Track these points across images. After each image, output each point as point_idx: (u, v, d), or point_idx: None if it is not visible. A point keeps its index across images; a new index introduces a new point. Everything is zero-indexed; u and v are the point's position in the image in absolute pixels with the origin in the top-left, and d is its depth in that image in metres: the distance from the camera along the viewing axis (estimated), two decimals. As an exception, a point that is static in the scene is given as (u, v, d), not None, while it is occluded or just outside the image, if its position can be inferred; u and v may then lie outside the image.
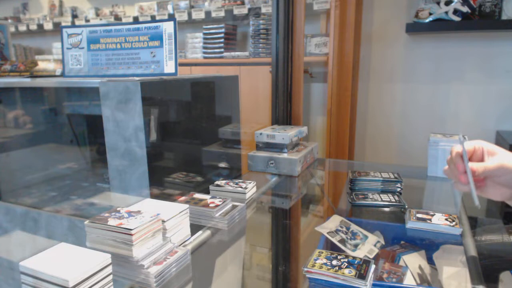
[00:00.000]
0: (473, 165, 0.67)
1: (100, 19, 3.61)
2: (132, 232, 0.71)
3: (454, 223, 0.90)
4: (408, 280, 0.72)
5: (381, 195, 1.17)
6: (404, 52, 2.49)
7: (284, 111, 1.79)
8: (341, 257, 0.72)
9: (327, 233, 0.84)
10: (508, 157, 0.67)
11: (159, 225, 0.77)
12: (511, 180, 0.66)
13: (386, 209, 1.11)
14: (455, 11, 2.14)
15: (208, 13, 3.07)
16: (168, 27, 1.13)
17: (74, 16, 3.85)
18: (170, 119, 1.17)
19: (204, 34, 3.07)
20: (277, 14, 1.71)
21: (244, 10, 2.90)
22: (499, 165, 0.66)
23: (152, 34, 1.15)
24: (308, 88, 2.83)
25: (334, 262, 0.70)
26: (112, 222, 0.75)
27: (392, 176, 1.25)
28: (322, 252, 0.74)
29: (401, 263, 0.79)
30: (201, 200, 1.04)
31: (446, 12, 2.16)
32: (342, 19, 2.28)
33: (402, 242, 0.89)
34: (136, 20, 3.39)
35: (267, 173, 1.47)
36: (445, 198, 1.28)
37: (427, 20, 2.21)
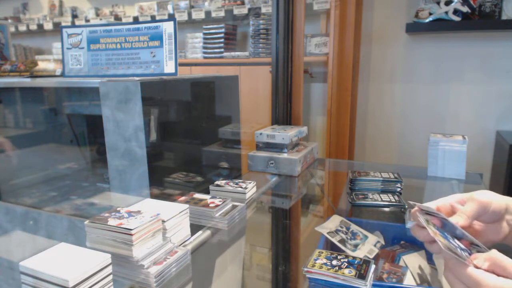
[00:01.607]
0: (454, 220, 0.57)
1: (100, 19, 3.62)
2: (132, 232, 0.71)
3: (454, 223, 0.90)
4: (408, 280, 0.72)
5: (381, 195, 1.17)
6: (404, 52, 2.49)
7: (284, 111, 1.79)
8: (341, 257, 0.72)
9: (327, 233, 0.84)
10: (481, 194, 0.60)
11: (159, 225, 0.77)
12: (494, 214, 0.60)
13: (386, 209, 1.11)
14: (455, 11, 2.14)
15: (208, 13, 3.07)
16: (168, 27, 1.13)
17: (74, 16, 3.85)
18: (170, 119, 1.17)
19: (204, 34, 3.07)
20: (277, 14, 1.71)
21: (244, 10, 2.90)
22: (477, 207, 0.59)
23: (152, 34, 1.15)
24: (308, 88, 2.83)
25: (334, 262, 0.70)
26: (112, 222, 0.75)
27: (392, 176, 1.25)
28: (322, 252, 0.74)
29: (401, 263, 0.79)
30: (201, 200, 1.04)
31: (446, 12, 2.16)
32: (342, 19, 2.28)
33: (402, 242, 0.89)
34: (136, 20, 3.39)
35: (267, 173, 1.47)
36: (445, 198, 1.28)
37: (427, 20, 2.21)
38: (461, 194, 0.63)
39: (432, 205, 0.61)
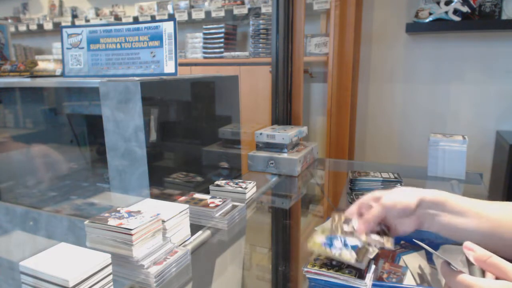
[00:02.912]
0: (359, 226, 0.71)
1: (100, 19, 3.62)
2: (132, 232, 0.71)
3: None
4: (408, 280, 0.72)
5: (381, 195, 1.17)
6: (404, 52, 2.49)
7: (284, 111, 1.79)
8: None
9: (327, 233, 0.84)
10: (388, 195, 0.70)
11: (159, 225, 0.77)
12: (402, 212, 0.69)
13: (386, 209, 1.10)
14: (455, 11, 2.14)
15: (208, 13, 3.07)
16: (168, 27, 1.13)
17: (74, 16, 3.85)
18: (170, 119, 1.17)
19: (204, 34, 3.07)
20: (277, 14, 1.71)
21: (244, 10, 2.90)
22: (381, 210, 0.69)
23: (152, 34, 1.15)
24: (308, 88, 2.83)
25: (334, 262, 0.70)
26: (112, 222, 0.75)
27: (392, 176, 1.25)
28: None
29: (401, 263, 0.79)
30: (201, 200, 1.04)
31: (446, 12, 2.16)
32: (342, 19, 2.28)
33: (402, 242, 0.89)
34: (136, 20, 3.39)
35: (267, 173, 1.47)
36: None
37: (427, 20, 2.21)
38: (377, 192, 0.73)
39: (354, 206, 0.75)
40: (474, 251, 0.54)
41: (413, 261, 0.79)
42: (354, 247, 0.68)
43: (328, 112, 2.34)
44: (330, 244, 0.69)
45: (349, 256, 0.66)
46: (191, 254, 0.83)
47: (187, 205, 0.88)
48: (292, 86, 1.81)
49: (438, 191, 0.68)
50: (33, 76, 1.56)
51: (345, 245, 0.69)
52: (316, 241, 0.71)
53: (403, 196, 0.69)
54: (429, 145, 1.39)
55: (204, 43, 3.08)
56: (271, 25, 1.75)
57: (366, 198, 0.74)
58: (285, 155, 1.46)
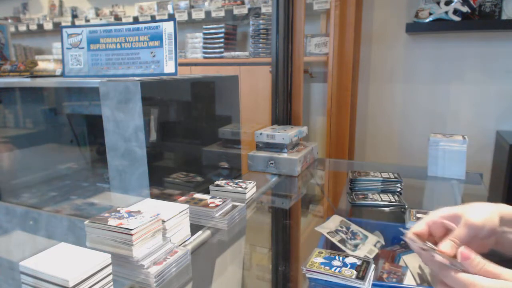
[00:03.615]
0: (444, 249, 0.54)
1: (100, 19, 3.62)
2: (132, 232, 0.71)
3: (454, 223, 0.90)
4: (408, 280, 0.72)
5: (381, 195, 1.17)
6: (404, 52, 2.49)
7: (284, 111, 1.79)
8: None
9: (327, 233, 0.84)
10: (472, 212, 0.56)
11: (159, 225, 0.77)
12: (489, 233, 0.56)
13: (386, 209, 1.11)
14: (455, 11, 2.14)
15: (208, 13, 3.07)
16: (168, 27, 1.13)
17: (74, 16, 3.85)
18: (170, 119, 1.17)
19: (204, 34, 3.07)
20: (277, 14, 1.71)
21: (244, 10, 2.90)
22: (467, 232, 0.55)
23: (152, 34, 1.15)
24: (308, 88, 2.83)
25: (334, 262, 0.70)
26: (112, 222, 0.75)
27: (392, 176, 1.25)
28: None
29: (401, 263, 0.79)
30: (201, 200, 1.04)
31: (446, 12, 2.16)
32: (342, 19, 2.28)
33: (402, 242, 0.89)
34: (136, 20, 3.39)
35: (267, 173, 1.47)
36: (445, 198, 1.28)
37: (427, 20, 2.21)
38: (451, 208, 0.59)
39: (422, 224, 0.59)
40: (471, 259, 0.51)
41: (413, 261, 0.79)
42: (353, 265, 0.69)
43: (328, 112, 2.34)
44: (329, 264, 0.70)
45: (349, 274, 0.67)
46: (191, 254, 0.83)
47: (187, 205, 0.88)
48: (292, 86, 1.81)
49: (506, 206, 0.59)
50: (33, 76, 1.56)
51: (344, 264, 0.70)
52: (315, 261, 0.71)
53: (488, 214, 0.56)
54: (429, 145, 1.39)
55: (204, 43, 3.08)
56: (271, 25, 1.75)
57: (438, 216, 0.59)
58: (285, 155, 1.46)
